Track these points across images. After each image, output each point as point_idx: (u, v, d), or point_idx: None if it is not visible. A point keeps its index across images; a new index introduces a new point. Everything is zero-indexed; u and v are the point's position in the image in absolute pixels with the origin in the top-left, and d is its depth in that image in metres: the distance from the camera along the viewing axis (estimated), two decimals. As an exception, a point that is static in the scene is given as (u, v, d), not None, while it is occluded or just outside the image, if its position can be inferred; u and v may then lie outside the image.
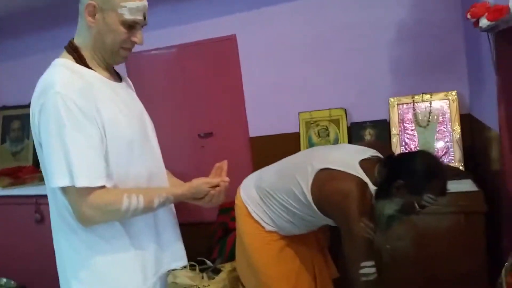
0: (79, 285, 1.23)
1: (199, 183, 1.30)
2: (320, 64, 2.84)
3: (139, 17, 1.23)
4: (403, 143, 2.61)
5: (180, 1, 3.14)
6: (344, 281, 1.59)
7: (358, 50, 2.73)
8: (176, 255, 1.42)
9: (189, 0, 3.11)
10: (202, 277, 2.57)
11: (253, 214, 1.73)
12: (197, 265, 2.64)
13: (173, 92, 3.26)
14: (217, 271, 2.59)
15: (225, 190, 1.33)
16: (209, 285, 2.44)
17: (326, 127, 2.83)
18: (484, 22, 1.44)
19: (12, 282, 3.14)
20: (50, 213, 1.28)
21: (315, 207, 1.57)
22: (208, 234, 2.94)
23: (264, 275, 1.72)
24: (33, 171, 3.40)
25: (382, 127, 2.69)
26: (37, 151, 1.23)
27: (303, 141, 2.88)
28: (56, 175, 1.12)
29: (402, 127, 2.62)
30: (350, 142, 2.72)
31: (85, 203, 1.13)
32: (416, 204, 1.47)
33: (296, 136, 2.89)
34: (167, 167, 1.46)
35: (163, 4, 3.15)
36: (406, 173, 1.47)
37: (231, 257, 2.40)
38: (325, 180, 1.54)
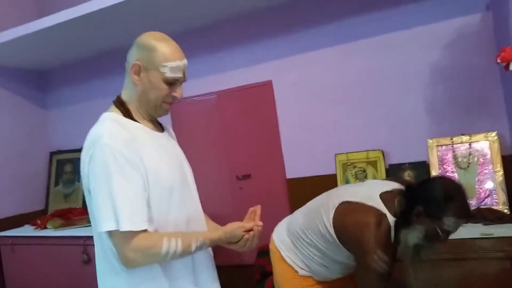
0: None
1: (234, 228, 1.34)
2: (355, 106, 2.87)
3: (179, 75, 1.34)
4: (444, 185, 2.55)
5: (219, 51, 3.32)
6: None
7: (394, 91, 2.75)
8: (213, 296, 1.44)
9: (228, 50, 3.29)
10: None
11: (287, 259, 1.74)
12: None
13: (213, 135, 3.38)
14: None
15: (258, 234, 1.36)
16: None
17: (364, 169, 2.82)
18: (513, 66, 1.46)
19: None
20: (95, 254, 1.36)
21: (338, 241, 1.57)
22: (246, 277, 2.94)
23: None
24: (82, 212, 3.57)
25: (422, 169, 2.65)
26: (85, 197, 1.33)
27: (340, 182, 2.88)
28: (103, 220, 1.20)
29: (442, 169, 2.56)
30: (388, 184, 2.69)
31: (128, 246, 1.20)
32: (438, 230, 1.43)
33: (333, 177, 2.90)
34: (207, 208, 1.51)
35: (204, 54, 3.35)
36: (424, 198, 1.46)
37: (270, 301, 2.39)
38: (345, 213, 1.56)
